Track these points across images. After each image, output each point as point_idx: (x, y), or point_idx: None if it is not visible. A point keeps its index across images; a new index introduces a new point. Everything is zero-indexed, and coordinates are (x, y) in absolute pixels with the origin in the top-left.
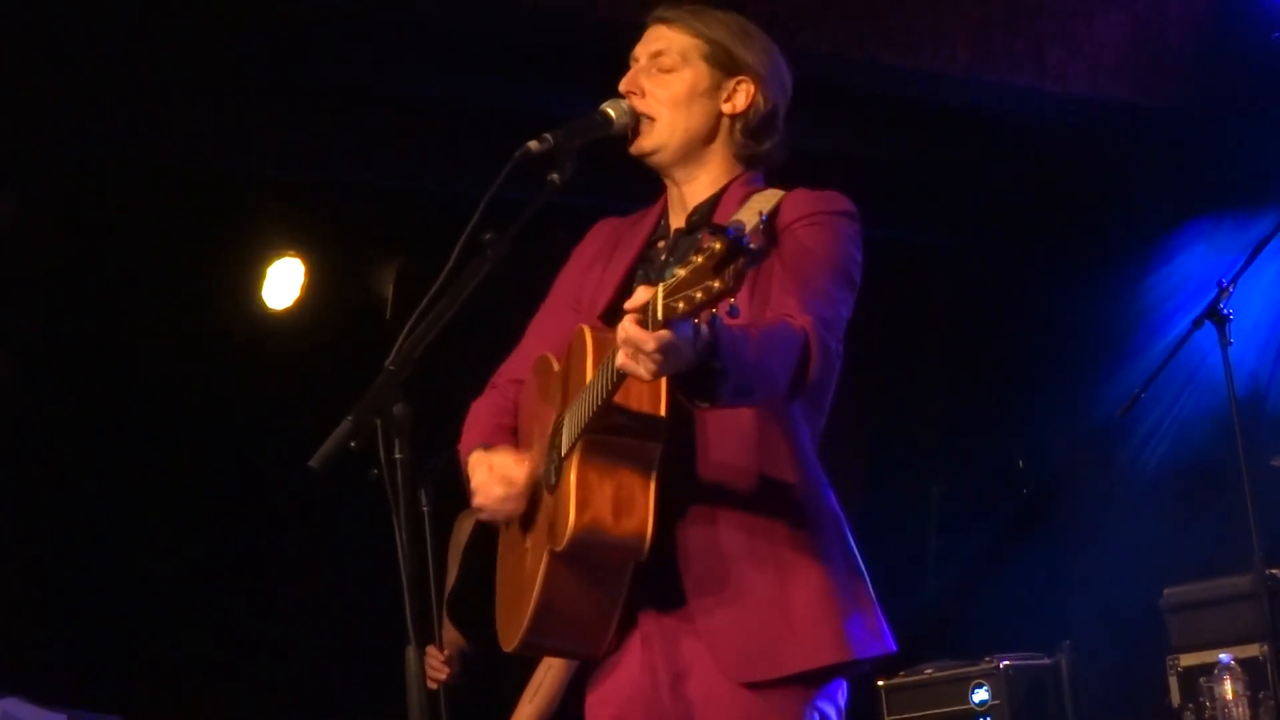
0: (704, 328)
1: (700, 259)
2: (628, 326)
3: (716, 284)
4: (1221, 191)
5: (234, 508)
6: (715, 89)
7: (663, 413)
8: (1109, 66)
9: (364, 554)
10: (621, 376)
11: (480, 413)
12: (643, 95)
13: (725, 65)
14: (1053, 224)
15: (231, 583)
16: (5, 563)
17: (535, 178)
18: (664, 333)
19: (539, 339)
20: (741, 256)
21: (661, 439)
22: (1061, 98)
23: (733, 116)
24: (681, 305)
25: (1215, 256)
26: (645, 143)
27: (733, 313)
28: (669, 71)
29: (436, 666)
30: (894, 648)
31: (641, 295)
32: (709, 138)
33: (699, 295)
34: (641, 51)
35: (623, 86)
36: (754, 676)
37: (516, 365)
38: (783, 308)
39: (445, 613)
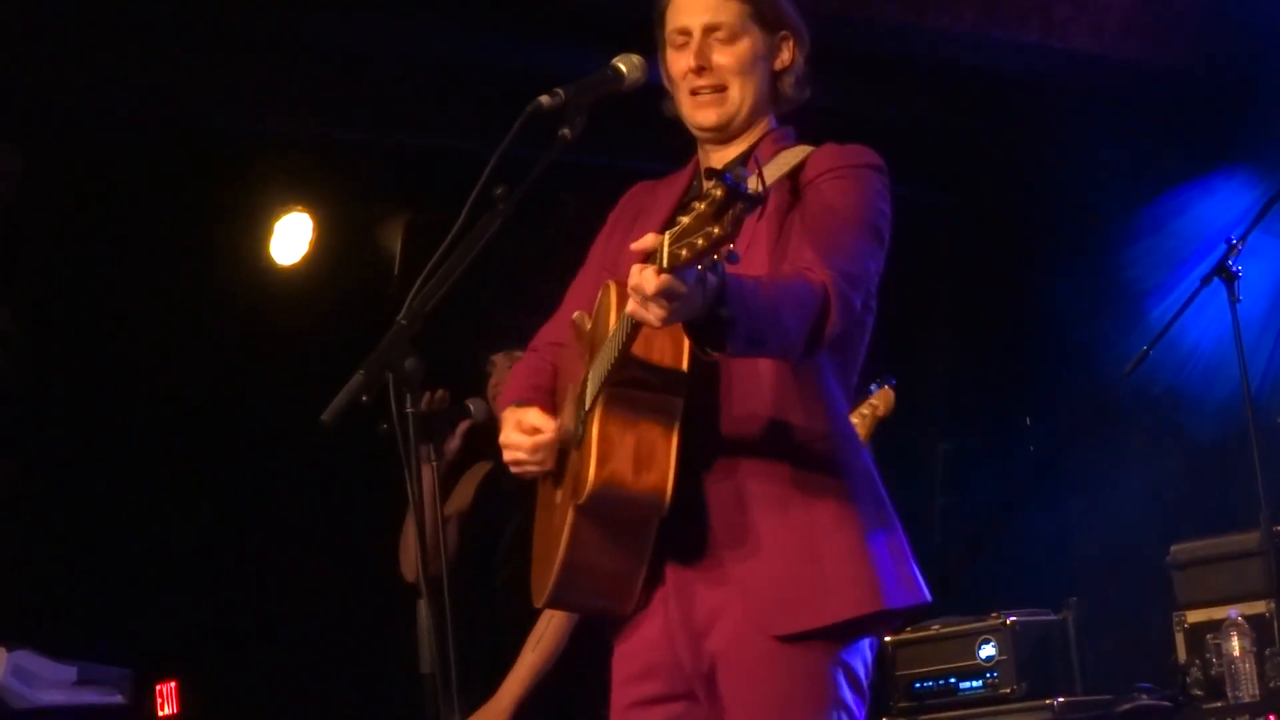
0: (710, 275)
1: (702, 205)
2: (634, 273)
3: (716, 230)
4: (1229, 148)
5: (244, 463)
6: (769, 50)
7: (685, 366)
8: (1116, 24)
9: (376, 509)
10: (636, 325)
11: (516, 375)
12: (711, 68)
13: (771, 23)
14: (1060, 181)
15: (242, 538)
16: (17, 519)
17: (546, 133)
18: (666, 277)
19: (576, 302)
20: (739, 202)
21: (684, 393)
22: (1068, 55)
23: (781, 72)
24: (684, 252)
25: (1224, 214)
26: (716, 115)
27: (732, 259)
28: (731, 42)
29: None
30: (928, 599)
31: (648, 241)
32: (770, 98)
33: (700, 242)
34: (691, 21)
35: (693, 63)
36: (787, 629)
37: (554, 329)
38: (802, 261)
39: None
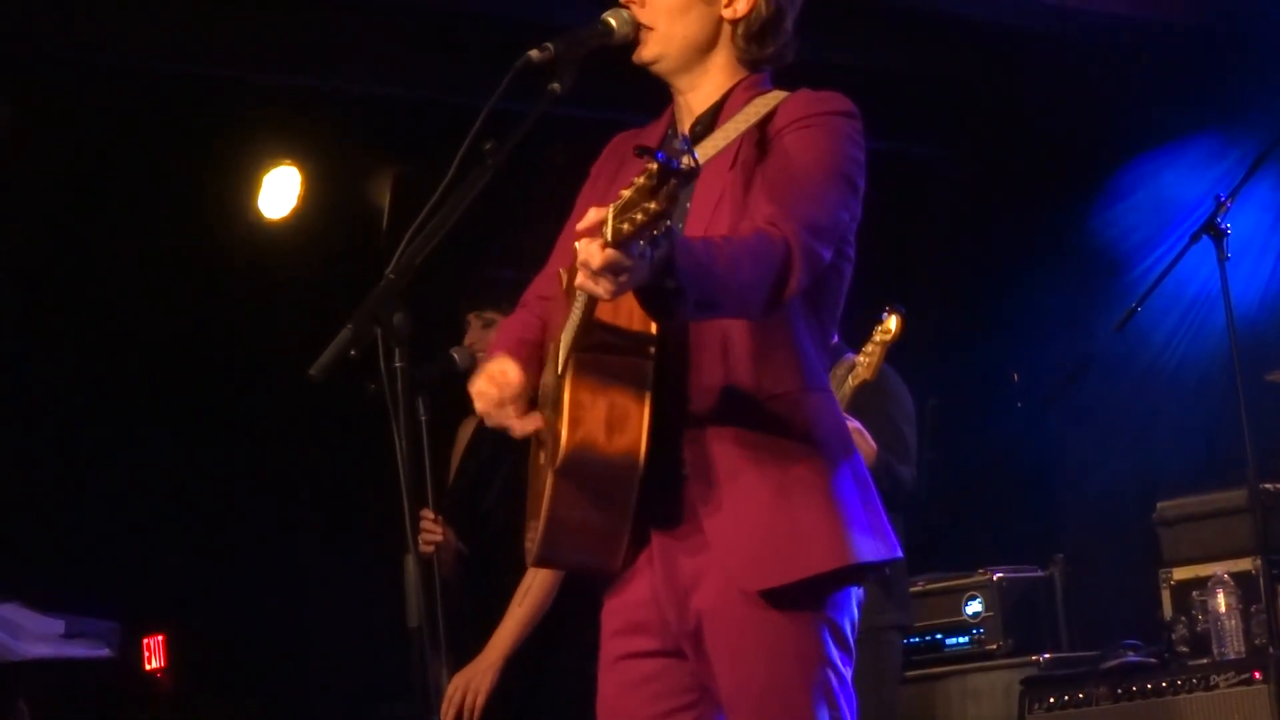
0: (651, 250)
1: (641, 180)
2: (581, 247)
3: (653, 205)
4: (1220, 105)
5: (232, 416)
6: None
7: (654, 330)
8: None
9: (363, 462)
10: (592, 297)
11: (503, 330)
12: (641, 4)
13: None
14: (1050, 136)
15: (230, 491)
16: (4, 470)
17: (536, 87)
18: (610, 252)
19: (563, 255)
20: (672, 178)
21: (654, 355)
22: (1056, 8)
23: (734, 21)
24: (626, 226)
25: (1213, 170)
26: (645, 52)
27: (672, 233)
28: None
29: (430, 528)
30: (900, 553)
31: (593, 215)
32: (710, 44)
33: (639, 216)
34: None
35: None
36: (761, 584)
37: (543, 282)
38: (763, 216)
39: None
